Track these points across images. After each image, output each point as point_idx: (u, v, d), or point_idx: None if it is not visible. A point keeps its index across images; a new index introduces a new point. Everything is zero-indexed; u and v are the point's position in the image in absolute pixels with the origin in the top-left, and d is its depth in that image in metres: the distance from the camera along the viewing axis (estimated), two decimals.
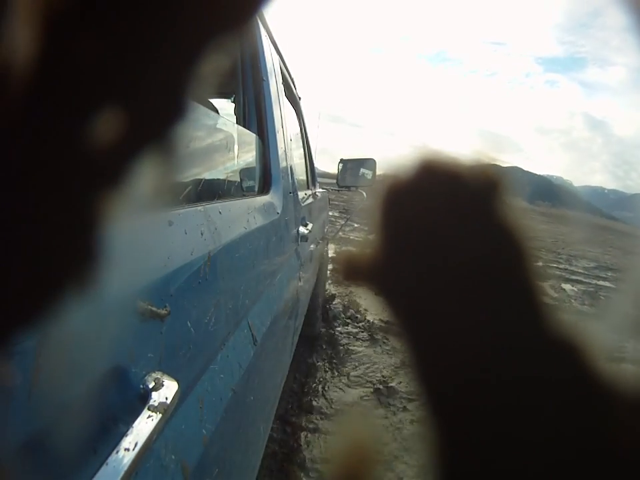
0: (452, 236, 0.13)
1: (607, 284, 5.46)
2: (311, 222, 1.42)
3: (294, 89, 1.88)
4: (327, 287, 2.89)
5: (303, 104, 2.14)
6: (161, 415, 0.29)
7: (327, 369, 2.03)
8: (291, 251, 1.08)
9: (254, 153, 0.98)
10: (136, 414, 0.29)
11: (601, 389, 0.11)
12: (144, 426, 0.28)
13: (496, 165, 0.13)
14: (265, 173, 0.97)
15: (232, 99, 1.10)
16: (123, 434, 0.27)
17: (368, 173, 2.54)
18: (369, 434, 0.14)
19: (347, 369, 2.04)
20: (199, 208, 0.49)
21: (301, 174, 1.86)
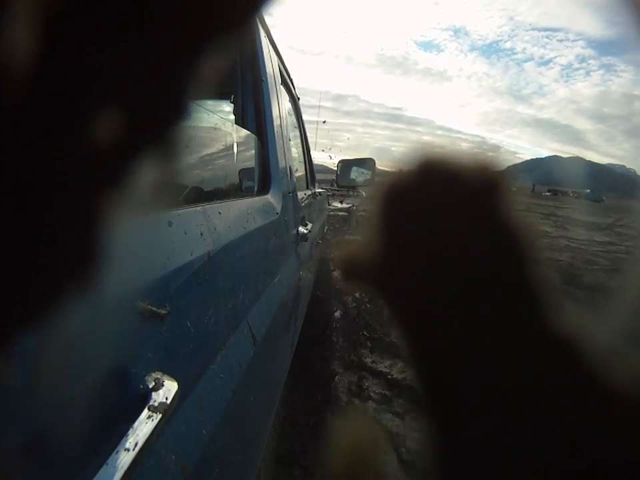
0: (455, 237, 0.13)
1: None
2: (310, 222, 1.42)
3: (292, 89, 1.88)
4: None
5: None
6: (161, 415, 0.29)
7: None
8: (290, 250, 1.08)
9: (253, 153, 0.98)
10: (136, 414, 0.29)
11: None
12: (144, 426, 0.28)
13: (495, 160, 0.13)
14: (264, 173, 0.97)
15: (231, 99, 1.10)
16: (123, 434, 0.27)
17: (367, 173, 2.54)
18: None
19: None
20: (199, 208, 0.49)
21: (300, 173, 1.86)
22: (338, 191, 2.88)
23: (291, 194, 1.14)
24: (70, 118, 0.09)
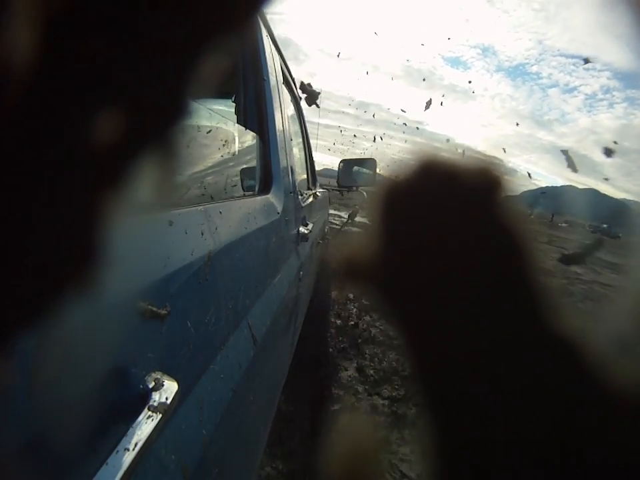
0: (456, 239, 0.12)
1: None
2: (311, 222, 1.42)
3: (294, 88, 1.88)
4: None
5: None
6: (161, 415, 0.29)
7: None
8: (291, 250, 1.08)
9: (254, 152, 0.98)
10: (136, 414, 0.29)
11: None
12: (144, 426, 0.28)
13: (497, 163, 0.13)
14: (266, 173, 0.97)
15: (232, 98, 1.10)
16: (123, 434, 0.27)
17: (368, 173, 2.54)
18: None
19: None
20: (199, 208, 0.49)
21: (301, 174, 1.86)
22: (339, 191, 2.88)
23: (292, 194, 1.14)
24: (71, 117, 0.09)
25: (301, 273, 1.22)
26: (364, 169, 2.59)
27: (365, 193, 2.72)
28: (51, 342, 0.20)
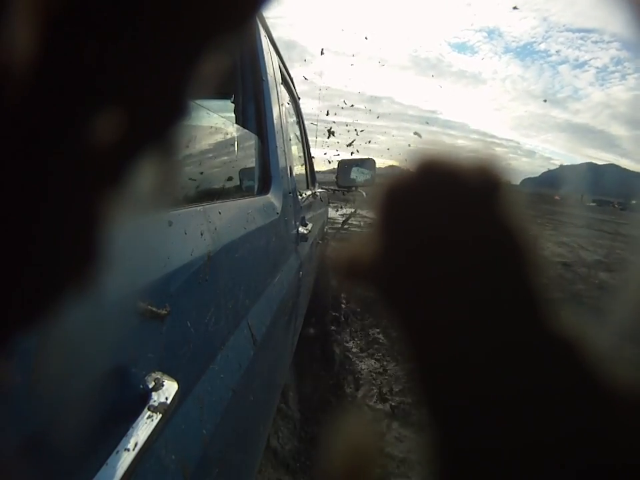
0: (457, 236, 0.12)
1: None
2: (310, 222, 1.42)
3: (293, 88, 1.88)
4: None
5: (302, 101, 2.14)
6: (161, 415, 0.29)
7: None
8: (290, 250, 1.08)
9: (253, 153, 0.98)
10: (136, 414, 0.29)
11: None
12: (144, 426, 0.28)
13: (494, 159, 0.13)
14: (265, 173, 0.97)
15: (231, 99, 1.10)
16: (123, 434, 0.27)
17: (367, 173, 2.54)
18: None
19: None
20: (199, 208, 0.49)
21: (300, 174, 1.86)
22: (338, 191, 2.88)
23: (291, 194, 1.14)
24: (70, 117, 0.09)
25: (301, 272, 1.22)
26: (363, 169, 2.59)
27: (364, 193, 2.72)
28: (51, 342, 0.20)
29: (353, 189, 2.69)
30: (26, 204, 0.09)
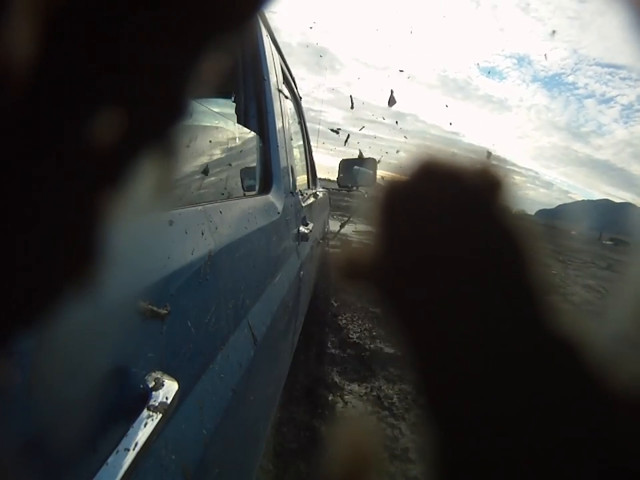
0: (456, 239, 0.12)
1: None
2: (311, 221, 1.42)
3: (294, 88, 1.88)
4: None
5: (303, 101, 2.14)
6: (161, 415, 0.29)
7: None
8: (291, 250, 1.08)
9: (254, 152, 0.98)
10: (136, 414, 0.29)
11: None
12: (144, 426, 0.28)
13: (497, 166, 0.13)
14: (266, 173, 0.97)
15: (232, 98, 1.10)
16: (123, 434, 0.27)
17: (368, 173, 2.54)
18: None
19: None
20: (200, 207, 0.49)
21: (301, 173, 1.86)
22: (339, 190, 2.88)
23: (292, 193, 1.14)
24: (71, 117, 0.09)
25: (301, 272, 1.22)
26: (364, 169, 2.59)
27: (365, 193, 2.72)
28: (51, 342, 0.20)
29: (354, 188, 2.69)
30: (26, 204, 0.09)
